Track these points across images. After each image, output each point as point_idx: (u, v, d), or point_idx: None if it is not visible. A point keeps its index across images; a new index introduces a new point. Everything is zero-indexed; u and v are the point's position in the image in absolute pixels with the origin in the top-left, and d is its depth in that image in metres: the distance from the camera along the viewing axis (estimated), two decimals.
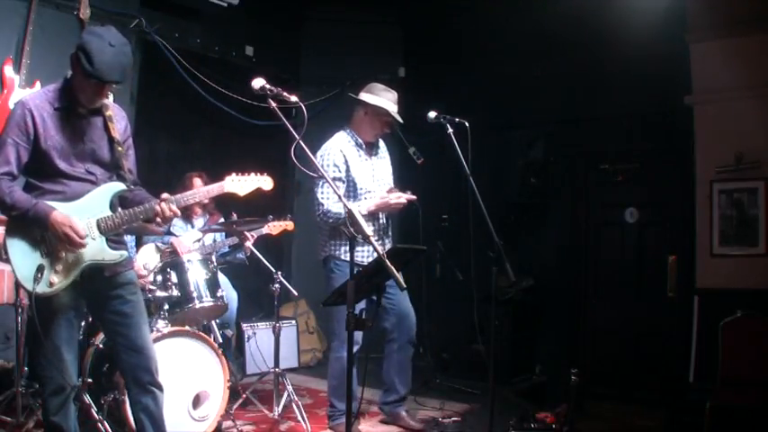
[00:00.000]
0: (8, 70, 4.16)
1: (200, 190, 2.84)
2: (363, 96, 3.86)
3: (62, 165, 2.55)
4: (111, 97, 4.76)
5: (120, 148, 2.69)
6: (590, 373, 4.79)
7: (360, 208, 3.69)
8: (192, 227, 4.82)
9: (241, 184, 2.86)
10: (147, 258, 4.47)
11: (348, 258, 3.63)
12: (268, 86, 2.54)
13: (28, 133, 2.49)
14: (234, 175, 2.87)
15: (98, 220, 2.60)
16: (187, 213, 4.85)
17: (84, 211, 2.58)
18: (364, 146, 3.92)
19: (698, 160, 4.63)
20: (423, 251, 3.83)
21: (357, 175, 3.81)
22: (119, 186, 2.70)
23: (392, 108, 3.83)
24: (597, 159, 5.47)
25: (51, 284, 2.50)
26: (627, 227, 5.27)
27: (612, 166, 5.39)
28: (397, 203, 3.73)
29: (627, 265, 5.24)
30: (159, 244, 4.60)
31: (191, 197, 2.74)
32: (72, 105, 2.59)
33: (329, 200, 3.68)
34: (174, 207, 2.65)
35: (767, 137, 4.34)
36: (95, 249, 2.59)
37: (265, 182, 2.93)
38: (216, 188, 2.84)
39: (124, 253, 2.69)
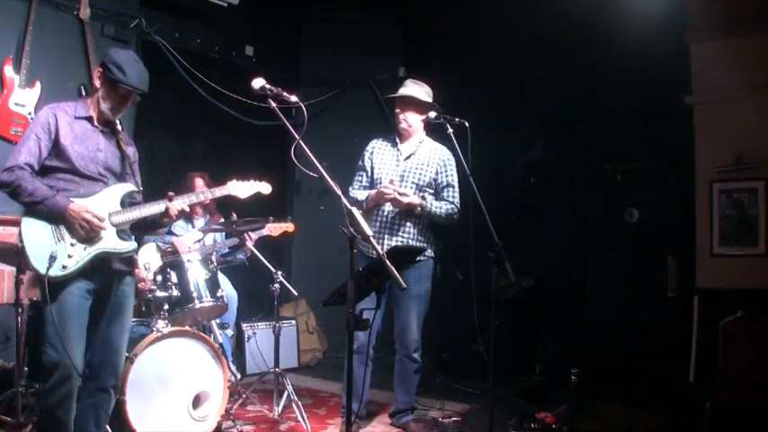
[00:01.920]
0: (8, 70, 4.17)
1: (207, 191, 3.10)
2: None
3: (78, 162, 2.74)
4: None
5: (131, 163, 2.93)
6: (590, 373, 4.78)
7: (362, 196, 3.82)
8: (193, 227, 4.83)
9: (243, 187, 3.26)
10: (148, 258, 4.48)
11: (362, 249, 3.68)
12: (268, 86, 2.56)
13: (50, 131, 2.71)
14: (235, 180, 3.23)
15: (110, 213, 2.77)
16: (188, 213, 4.86)
17: (97, 206, 2.75)
18: (399, 144, 3.94)
19: (698, 160, 4.62)
20: (423, 251, 3.84)
21: (377, 167, 3.92)
22: (130, 187, 2.90)
23: (398, 92, 3.89)
24: (597, 159, 5.47)
25: (65, 267, 2.63)
26: (627, 227, 5.27)
27: (612, 166, 5.39)
28: (384, 192, 3.70)
29: (627, 265, 5.23)
30: (160, 244, 4.61)
31: (198, 197, 3.02)
32: (90, 117, 2.82)
33: (352, 186, 3.96)
34: (183, 205, 2.90)
35: (767, 137, 4.33)
36: (108, 238, 2.76)
37: (264, 187, 3.32)
38: (221, 190, 3.18)
39: (134, 243, 2.88)
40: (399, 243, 3.80)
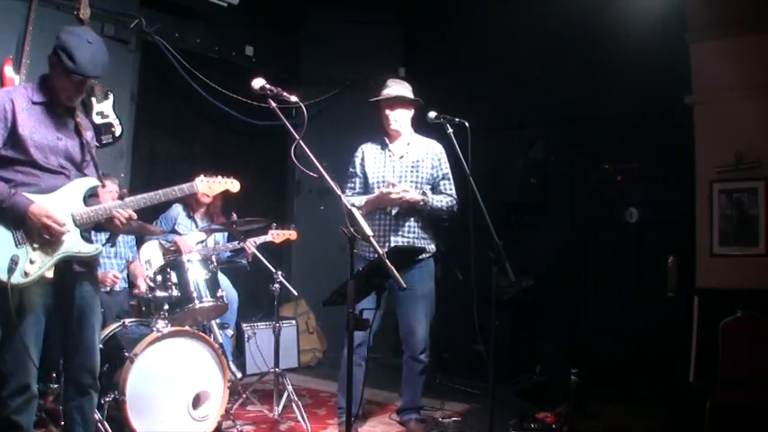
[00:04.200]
0: (8, 70, 4.16)
1: (173, 188, 2.90)
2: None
3: (37, 155, 2.58)
4: (110, 97, 4.81)
5: (90, 150, 2.77)
6: (590, 373, 4.78)
7: (360, 203, 3.77)
8: (197, 227, 4.83)
9: (210, 184, 3.13)
10: (150, 255, 4.48)
11: (360, 252, 3.67)
12: (268, 86, 2.54)
13: (6, 119, 2.54)
14: (203, 176, 3.09)
15: (73, 214, 2.64)
16: (192, 214, 4.87)
17: (60, 204, 2.61)
18: (390, 145, 3.93)
19: (698, 160, 4.62)
20: (422, 251, 3.83)
21: (370, 171, 3.90)
22: (93, 182, 2.76)
23: (384, 94, 3.88)
24: (597, 159, 5.47)
25: (27, 274, 2.50)
26: (627, 227, 5.27)
27: (612, 166, 5.39)
28: (397, 198, 3.68)
29: (627, 265, 5.23)
30: (163, 242, 4.61)
31: (160, 197, 2.83)
32: (49, 102, 2.64)
33: (344, 193, 3.85)
34: (129, 211, 2.70)
35: (767, 137, 4.33)
36: (71, 241, 2.63)
37: (232, 184, 3.21)
38: (187, 187, 2.98)
39: (99, 246, 2.74)
40: (404, 242, 3.79)
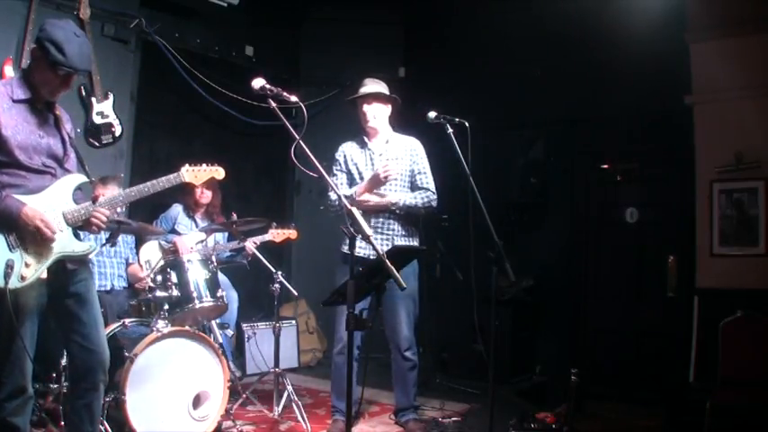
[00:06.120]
0: (8, 70, 4.17)
1: (160, 179, 2.86)
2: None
3: (21, 156, 2.51)
4: (110, 97, 4.80)
5: (73, 145, 2.72)
6: (590, 373, 4.78)
7: (353, 191, 3.80)
8: (197, 226, 4.83)
9: (196, 173, 3.05)
10: (149, 255, 4.48)
11: (357, 252, 3.66)
12: (268, 86, 2.54)
13: None
14: (188, 165, 3.03)
15: (64, 213, 2.60)
16: (192, 214, 4.87)
17: (50, 203, 2.57)
18: (369, 144, 3.95)
19: (698, 160, 4.62)
20: (423, 251, 3.83)
21: (354, 168, 3.93)
22: (81, 178, 2.70)
23: (361, 92, 3.90)
24: (597, 159, 5.47)
25: (23, 278, 2.46)
26: (627, 227, 5.27)
27: (612, 166, 5.39)
28: (386, 173, 3.70)
29: (627, 265, 5.23)
30: (162, 242, 4.61)
31: (149, 189, 2.79)
32: (30, 99, 2.57)
33: (331, 191, 3.85)
34: (102, 213, 2.63)
35: (767, 137, 4.33)
36: (64, 241, 2.58)
37: (217, 172, 3.15)
38: (173, 177, 2.93)
39: (93, 244, 2.73)
40: (386, 241, 3.79)
